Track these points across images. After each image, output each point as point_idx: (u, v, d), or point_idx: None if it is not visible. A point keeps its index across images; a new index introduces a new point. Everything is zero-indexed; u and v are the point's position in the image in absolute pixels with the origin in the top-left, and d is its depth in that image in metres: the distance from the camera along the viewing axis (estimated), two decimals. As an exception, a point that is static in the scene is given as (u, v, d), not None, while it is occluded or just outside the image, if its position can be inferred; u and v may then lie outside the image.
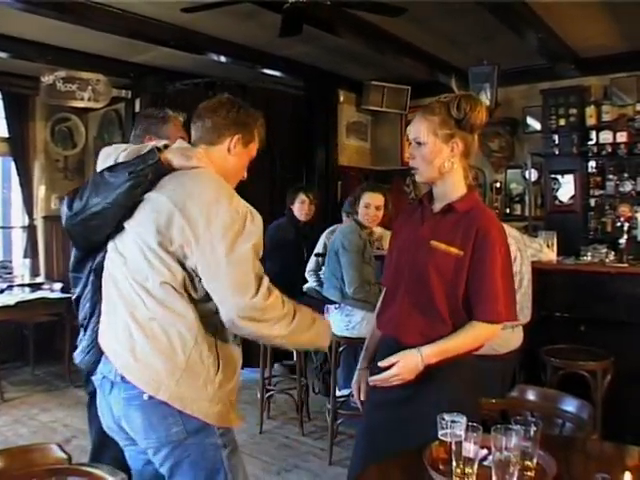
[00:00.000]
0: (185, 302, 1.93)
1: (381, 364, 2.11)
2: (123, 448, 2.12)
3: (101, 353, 2.05)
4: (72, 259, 2.39)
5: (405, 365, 2.06)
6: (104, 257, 2.14)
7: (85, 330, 2.27)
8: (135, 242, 1.98)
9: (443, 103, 2.15)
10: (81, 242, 2.25)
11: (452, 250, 2.08)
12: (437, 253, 2.10)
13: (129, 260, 1.99)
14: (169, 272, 1.92)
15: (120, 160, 2.07)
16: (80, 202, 2.04)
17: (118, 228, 2.04)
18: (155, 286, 1.93)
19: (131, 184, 1.95)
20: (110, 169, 2.04)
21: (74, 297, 2.40)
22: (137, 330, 1.92)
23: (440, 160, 2.14)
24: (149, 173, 1.97)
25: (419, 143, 2.16)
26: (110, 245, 2.09)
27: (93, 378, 2.12)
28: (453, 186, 2.19)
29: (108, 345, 2.02)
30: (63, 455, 1.89)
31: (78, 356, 2.28)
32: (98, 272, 2.18)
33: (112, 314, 2.03)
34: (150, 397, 1.89)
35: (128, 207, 1.99)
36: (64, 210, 2.10)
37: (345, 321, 4.17)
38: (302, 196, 4.98)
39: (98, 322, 2.13)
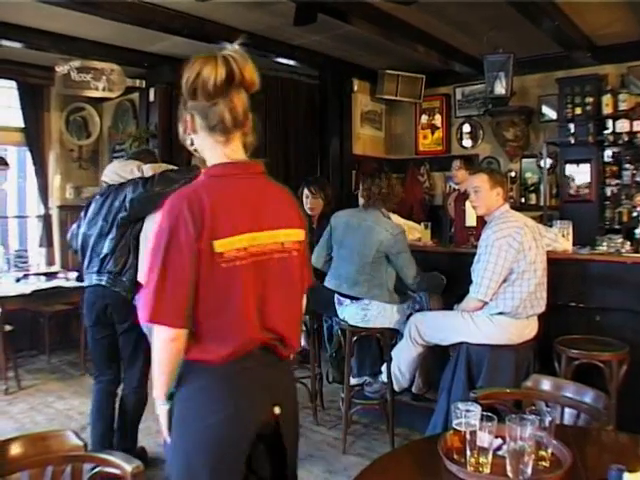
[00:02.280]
0: None
1: None
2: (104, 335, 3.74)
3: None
4: (99, 229, 3.65)
5: None
6: (141, 227, 3.53)
7: (124, 274, 3.56)
8: None
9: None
10: (138, 214, 3.52)
11: None
12: None
13: None
14: None
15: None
16: (152, 186, 3.46)
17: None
18: None
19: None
20: (172, 171, 3.62)
21: (103, 253, 3.61)
22: None
23: (186, 138, 1.90)
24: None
25: None
26: (151, 219, 3.42)
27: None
28: (205, 167, 1.92)
29: None
30: (79, 442, 1.91)
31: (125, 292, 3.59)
32: (136, 236, 3.55)
33: None
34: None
35: None
36: (139, 190, 3.49)
37: (361, 314, 4.14)
38: (305, 190, 4.97)
39: (131, 268, 3.55)
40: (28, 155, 7.45)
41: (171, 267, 1.72)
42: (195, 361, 1.81)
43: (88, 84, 6.28)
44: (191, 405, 1.82)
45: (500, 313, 3.63)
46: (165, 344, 1.76)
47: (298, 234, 1.93)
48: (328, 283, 4.31)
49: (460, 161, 6.36)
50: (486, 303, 3.66)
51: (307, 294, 2.07)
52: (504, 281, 3.61)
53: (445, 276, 4.27)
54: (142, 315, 1.76)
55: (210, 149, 1.86)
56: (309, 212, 4.94)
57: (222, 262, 1.73)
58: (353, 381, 4.38)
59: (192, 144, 1.90)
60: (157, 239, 1.75)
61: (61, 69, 6.18)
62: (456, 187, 6.69)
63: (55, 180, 7.66)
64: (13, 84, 7.19)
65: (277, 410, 1.86)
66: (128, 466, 1.79)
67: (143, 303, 1.75)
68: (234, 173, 1.85)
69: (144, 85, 6.94)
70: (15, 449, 1.85)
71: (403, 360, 4.10)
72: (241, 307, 1.78)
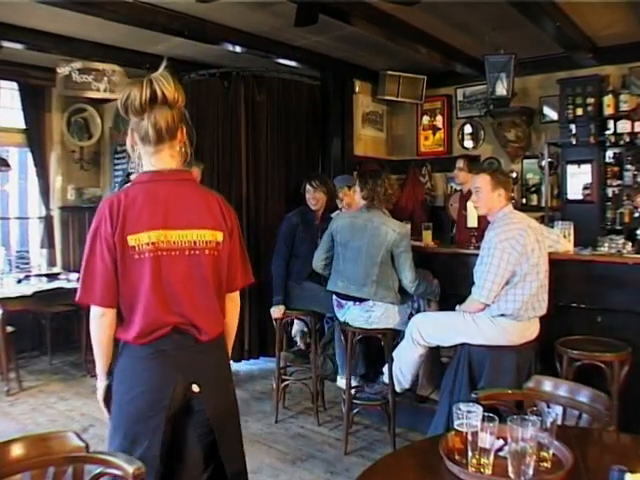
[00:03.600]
0: None
1: None
2: None
3: None
4: None
5: None
6: None
7: None
8: None
9: None
10: None
11: None
12: None
13: None
14: None
15: None
16: None
17: None
18: None
19: None
20: None
21: None
22: None
23: (132, 150, 2.23)
24: None
25: None
26: None
27: None
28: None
29: None
30: (81, 443, 1.90)
31: None
32: None
33: None
34: None
35: None
36: None
37: (365, 317, 4.14)
38: (307, 185, 4.98)
39: None
40: (29, 156, 7.47)
41: (94, 257, 2.08)
42: (124, 343, 2.14)
43: (89, 85, 6.30)
44: (116, 384, 2.16)
45: (501, 315, 3.63)
46: (96, 319, 2.12)
47: (213, 235, 2.18)
48: (333, 285, 4.29)
49: (464, 160, 6.23)
50: (488, 305, 3.66)
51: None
52: (506, 283, 3.60)
53: (446, 277, 4.27)
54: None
55: (143, 158, 2.19)
56: (312, 207, 4.94)
57: (135, 254, 2.07)
58: (354, 382, 4.37)
59: (139, 156, 2.21)
60: (88, 236, 2.11)
61: (62, 70, 6.19)
62: (458, 188, 6.66)
63: (56, 181, 7.68)
64: (14, 85, 7.21)
65: (195, 388, 2.12)
66: (129, 467, 1.79)
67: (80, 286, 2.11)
68: (155, 180, 2.16)
69: (145, 86, 6.94)
70: (16, 450, 1.85)
71: (404, 361, 4.09)
72: (147, 291, 2.08)
